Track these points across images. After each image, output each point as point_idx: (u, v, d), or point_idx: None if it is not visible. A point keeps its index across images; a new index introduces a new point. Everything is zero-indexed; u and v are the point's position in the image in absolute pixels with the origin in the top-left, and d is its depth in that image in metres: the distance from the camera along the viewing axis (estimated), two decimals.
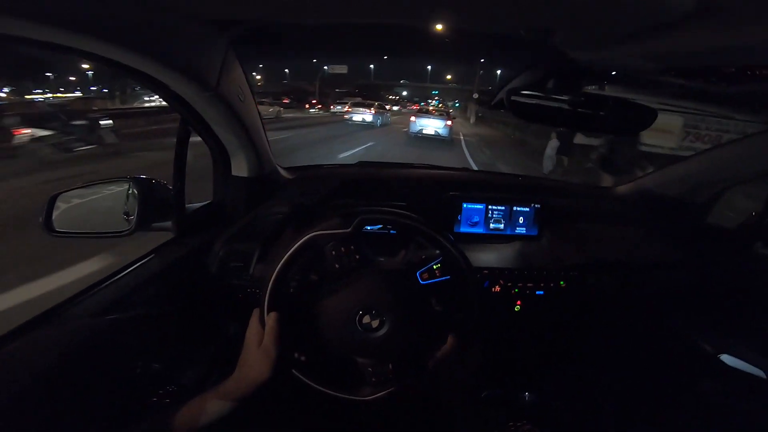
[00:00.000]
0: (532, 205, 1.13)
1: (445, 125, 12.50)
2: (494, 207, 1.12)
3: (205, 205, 1.04)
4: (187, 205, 0.97)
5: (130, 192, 0.95)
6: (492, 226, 1.13)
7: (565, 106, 0.72)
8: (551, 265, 1.15)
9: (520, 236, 1.16)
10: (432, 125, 12.46)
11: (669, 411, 1.16)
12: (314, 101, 29.86)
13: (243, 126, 0.95)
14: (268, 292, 0.68)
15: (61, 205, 0.89)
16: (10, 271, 2.57)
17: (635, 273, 1.15)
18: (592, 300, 1.16)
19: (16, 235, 3.10)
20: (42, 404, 0.60)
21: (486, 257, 1.14)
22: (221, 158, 1.00)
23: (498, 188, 1.28)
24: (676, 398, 1.14)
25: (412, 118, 13.16)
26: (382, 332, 0.71)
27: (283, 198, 1.13)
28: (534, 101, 0.73)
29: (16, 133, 6.09)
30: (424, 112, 14.27)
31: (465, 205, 1.12)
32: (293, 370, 0.69)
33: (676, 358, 1.14)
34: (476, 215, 1.12)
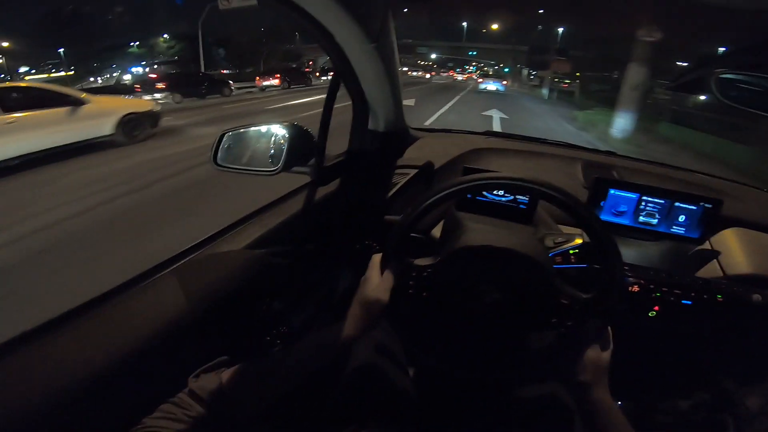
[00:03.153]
0: (701, 204, 0.94)
1: (502, 84, 24.14)
2: (650, 199, 0.96)
3: (340, 155, 1.09)
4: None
5: (278, 136, 1.05)
6: (642, 219, 0.98)
7: None
8: (707, 274, 0.96)
9: (673, 236, 0.98)
10: (492, 85, 23.26)
11: None
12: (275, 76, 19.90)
13: (387, 83, 0.95)
14: (394, 240, 0.67)
15: (227, 143, 1.02)
16: None
17: None
18: (752, 323, 0.95)
19: None
20: (178, 334, 0.69)
21: (627, 252, 1.00)
22: (361, 112, 1.03)
23: (649, 178, 1.10)
24: None
25: (480, 80, 26.51)
26: (504, 310, 0.67)
27: (411, 156, 1.13)
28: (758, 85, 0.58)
29: None
30: (486, 77, 26.33)
31: (612, 191, 0.98)
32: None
33: None
34: (624, 204, 0.98)
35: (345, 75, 0.89)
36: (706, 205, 0.94)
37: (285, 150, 0.99)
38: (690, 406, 1.15)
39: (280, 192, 1.13)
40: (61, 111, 5.52)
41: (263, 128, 1.04)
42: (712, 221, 0.96)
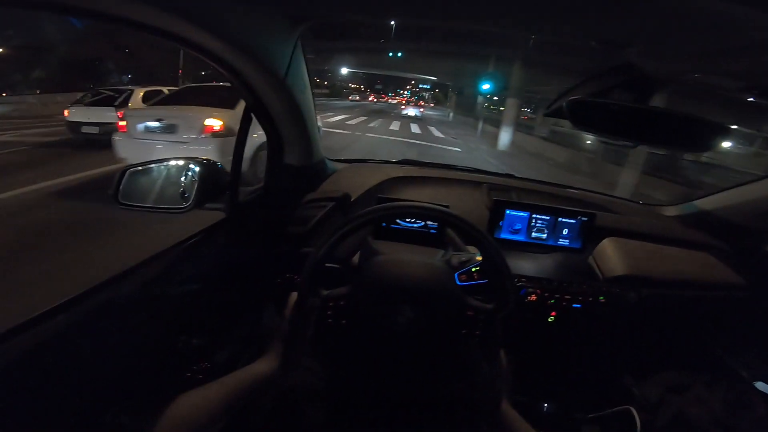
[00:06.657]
0: (579, 217, 1.11)
1: (420, 110, 27.45)
2: (538, 216, 1.11)
3: (256, 190, 1.08)
4: (240, 188, 1.02)
5: (189, 172, 1.01)
6: (534, 235, 1.12)
7: (631, 119, 0.69)
8: (592, 279, 1.12)
9: (561, 248, 1.14)
10: (412, 111, 25.74)
11: None
12: None
13: (300, 117, 0.98)
14: (307, 276, 0.69)
15: (131, 179, 0.96)
16: None
17: (682, 293, 1.11)
18: (631, 317, 1.13)
19: None
20: (92, 369, 0.65)
21: (524, 265, 1.13)
22: (276, 146, 1.05)
23: (543, 197, 1.26)
24: (703, 420, 1.10)
25: (402, 106, 32.85)
26: (416, 327, 0.72)
27: (328, 188, 1.16)
28: (598, 112, 0.70)
29: None
30: (409, 104, 34.84)
31: (508, 212, 1.11)
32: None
33: (708, 381, 1.10)
34: (519, 223, 1.11)
35: (256, 110, 0.90)
36: (583, 219, 1.11)
37: (196, 187, 0.96)
38: (597, 402, 1.29)
39: None
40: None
41: (171, 164, 1.00)
42: (589, 232, 1.12)
